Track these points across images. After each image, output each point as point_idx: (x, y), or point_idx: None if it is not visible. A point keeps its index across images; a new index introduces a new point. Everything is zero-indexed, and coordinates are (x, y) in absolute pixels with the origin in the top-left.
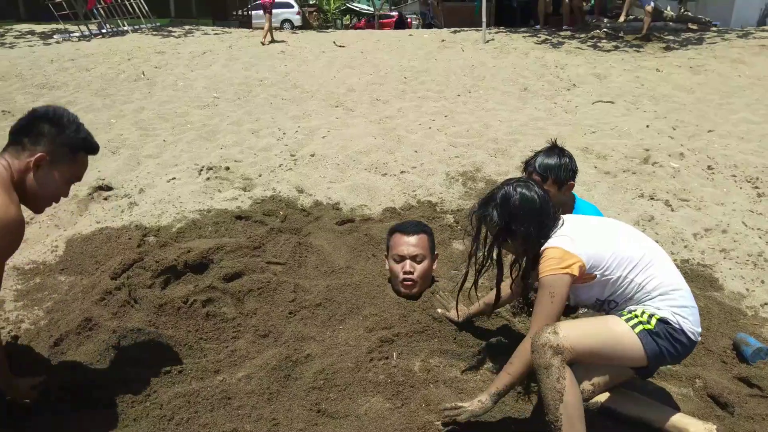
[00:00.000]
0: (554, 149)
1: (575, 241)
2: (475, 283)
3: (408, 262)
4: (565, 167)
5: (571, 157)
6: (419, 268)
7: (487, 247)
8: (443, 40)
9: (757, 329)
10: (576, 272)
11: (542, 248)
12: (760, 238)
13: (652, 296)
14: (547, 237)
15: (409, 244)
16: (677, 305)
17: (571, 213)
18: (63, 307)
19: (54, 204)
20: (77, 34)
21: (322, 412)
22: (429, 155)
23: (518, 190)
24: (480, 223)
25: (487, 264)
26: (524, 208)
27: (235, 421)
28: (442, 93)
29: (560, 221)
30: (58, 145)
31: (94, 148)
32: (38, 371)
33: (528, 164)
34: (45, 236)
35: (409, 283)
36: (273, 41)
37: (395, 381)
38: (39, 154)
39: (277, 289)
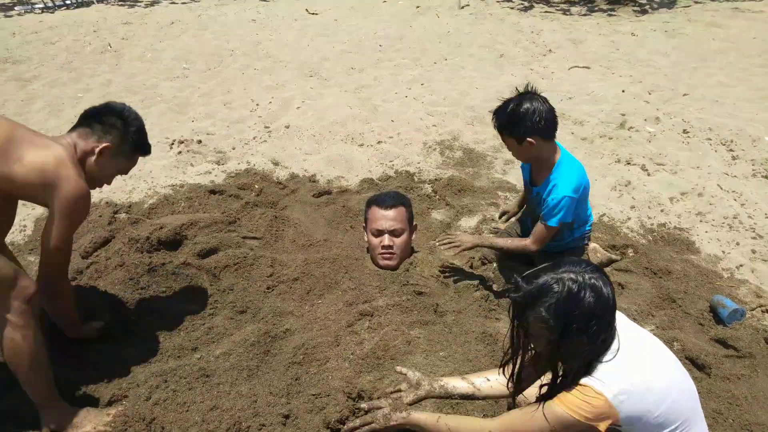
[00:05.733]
0: (522, 96)
1: (631, 396)
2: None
3: (386, 236)
4: (521, 120)
5: (535, 106)
6: (398, 242)
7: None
8: (418, 7)
9: (733, 291)
10: (602, 430)
11: (586, 377)
12: (735, 200)
13: None
14: (598, 354)
15: (387, 218)
16: None
17: (549, 171)
18: None
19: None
20: (40, 6)
21: (302, 386)
22: (406, 125)
23: (592, 283)
24: (522, 318)
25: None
26: (597, 313)
27: (215, 399)
28: (418, 61)
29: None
30: (124, 141)
31: (149, 151)
32: None
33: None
34: None
35: (388, 256)
36: None
37: (375, 354)
38: (106, 144)
39: (254, 264)
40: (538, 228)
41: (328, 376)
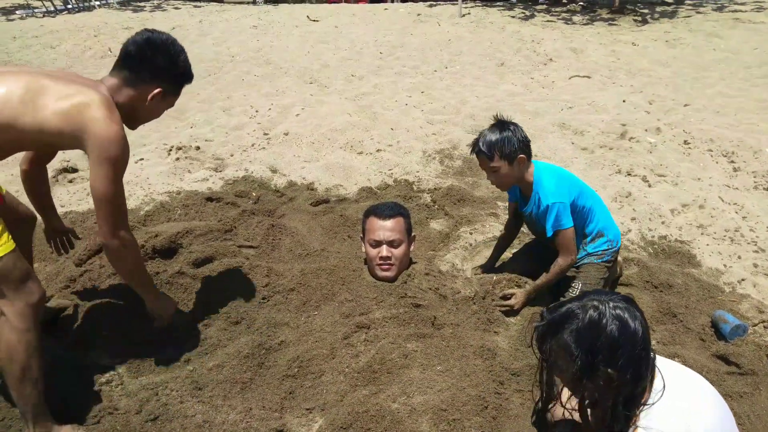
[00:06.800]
0: (497, 124)
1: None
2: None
3: (385, 247)
4: (508, 140)
5: (515, 128)
6: (396, 253)
7: (546, 379)
8: (419, 14)
9: (734, 306)
10: None
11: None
12: (736, 213)
13: None
14: (632, 397)
15: (386, 228)
16: None
17: (532, 188)
18: None
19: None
20: (42, 10)
21: (296, 400)
22: (405, 133)
23: (617, 313)
24: (544, 347)
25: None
26: (622, 345)
27: (207, 413)
28: (418, 68)
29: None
30: (171, 80)
31: (192, 78)
32: None
33: (474, 146)
34: None
35: (387, 267)
36: None
37: (372, 367)
38: (158, 90)
39: (250, 273)
40: (558, 239)
41: (323, 390)
